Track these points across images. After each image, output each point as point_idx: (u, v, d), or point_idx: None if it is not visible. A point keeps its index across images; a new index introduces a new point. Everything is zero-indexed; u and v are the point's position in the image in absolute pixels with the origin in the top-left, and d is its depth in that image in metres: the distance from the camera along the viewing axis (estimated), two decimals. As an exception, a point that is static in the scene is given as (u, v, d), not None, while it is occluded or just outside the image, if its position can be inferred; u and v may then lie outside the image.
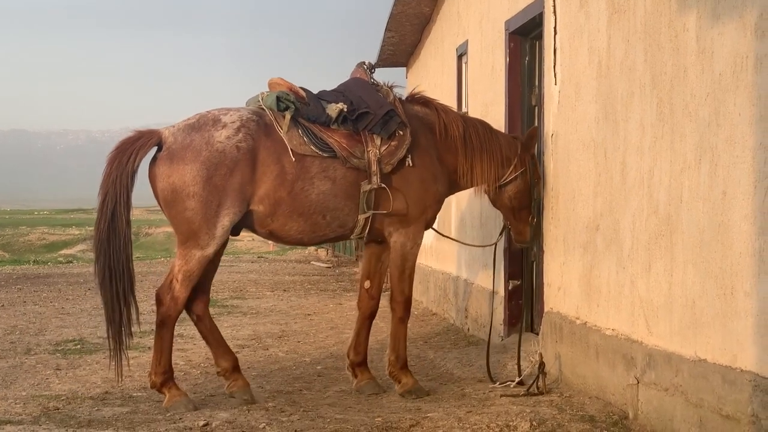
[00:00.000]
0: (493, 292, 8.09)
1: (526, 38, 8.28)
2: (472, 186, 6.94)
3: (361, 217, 6.32)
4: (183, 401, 5.99)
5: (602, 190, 6.01)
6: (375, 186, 6.28)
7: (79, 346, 8.87)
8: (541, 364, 6.39)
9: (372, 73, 6.92)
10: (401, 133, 6.42)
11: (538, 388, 6.34)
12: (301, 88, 6.47)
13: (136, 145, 6.02)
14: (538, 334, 7.36)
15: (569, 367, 6.50)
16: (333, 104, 6.36)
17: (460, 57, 10.97)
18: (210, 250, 5.98)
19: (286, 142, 6.09)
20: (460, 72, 11.02)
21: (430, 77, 13.43)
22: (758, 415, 4.13)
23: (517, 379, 6.69)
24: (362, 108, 6.38)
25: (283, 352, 8.65)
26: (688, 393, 4.75)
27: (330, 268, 21.55)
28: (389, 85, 6.72)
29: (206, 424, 5.55)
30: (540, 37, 7.60)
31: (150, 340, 9.18)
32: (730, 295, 4.38)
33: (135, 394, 6.59)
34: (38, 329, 10.13)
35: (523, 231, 7.07)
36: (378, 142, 6.33)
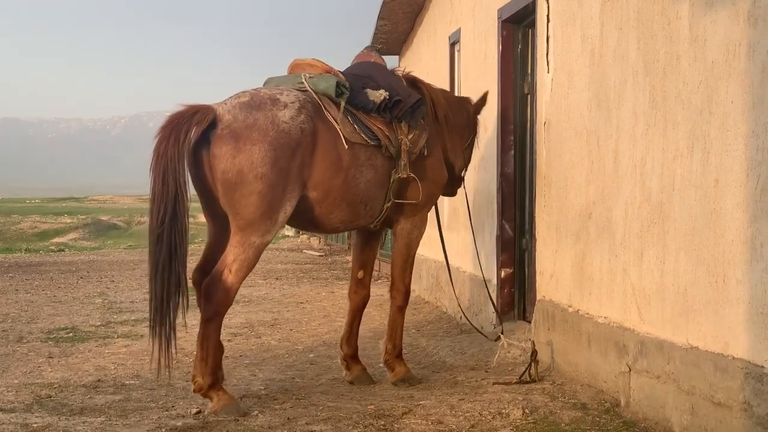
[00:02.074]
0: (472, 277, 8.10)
1: (518, 26, 8.27)
2: (454, 161, 7.02)
3: (385, 206, 6.23)
4: (234, 405, 5.51)
5: (595, 178, 6.01)
6: (404, 175, 6.19)
7: (71, 335, 8.86)
8: (534, 352, 6.40)
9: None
10: (422, 121, 6.40)
11: (530, 375, 6.34)
12: (339, 71, 6.27)
13: (192, 121, 5.42)
14: (530, 322, 7.37)
15: (561, 355, 6.51)
16: (373, 91, 6.21)
17: (452, 45, 10.95)
18: (269, 237, 5.56)
19: (340, 130, 5.86)
20: (453, 60, 11.01)
21: (422, 65, 13.41)
22: (750, 403, 4.14)
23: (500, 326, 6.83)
24: (395, 95, 6.25)
25: (276, 340, 8.65)
26: (680, 380, 4.76)
27: (322, 256, 21.56)
28: (393, 69, 6.72)
29: (199, 412, 5.55)
30: (533, 24, 7.59)
31: (143, 329, 9.21)
32: (722, 282, 4.39)
33: (127, 382, 6.58)
34: (30, 317, 10.12)
35: (454, 184, 7.25)
36: (406, 130, 6.25)
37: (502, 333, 7.03)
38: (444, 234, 7.48)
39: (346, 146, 5.85)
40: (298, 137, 5.58)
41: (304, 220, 5.95)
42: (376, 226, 6.46)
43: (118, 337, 8.66)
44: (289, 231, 36.36)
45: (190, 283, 5.51)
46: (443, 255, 7.45)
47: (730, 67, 4.32)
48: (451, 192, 7.38)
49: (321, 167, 5.72)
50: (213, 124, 5.50)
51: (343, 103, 5.94)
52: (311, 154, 5.67)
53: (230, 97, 5.74)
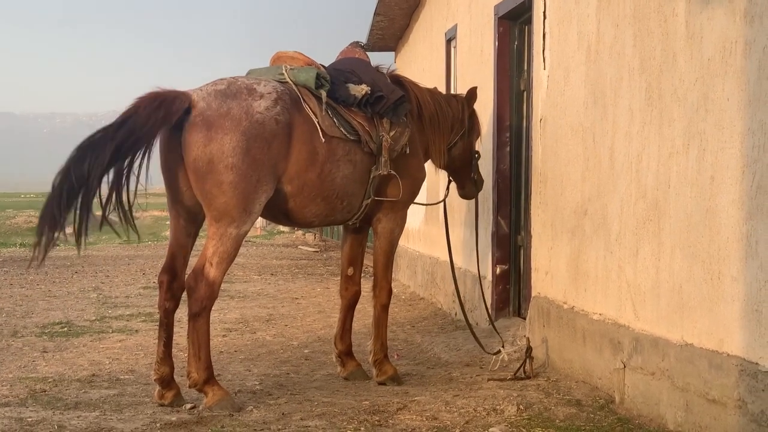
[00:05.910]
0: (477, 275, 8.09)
1: (515, 23, 8.27)
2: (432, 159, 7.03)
3: (365, 203, 6.19)
4: (228, 401, 5.48)
5: (590, 174, 6.01)
6: (384, 172, 6.15)
7: (65, 329, 8.84)
8: (528, 349, 6.40)
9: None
10: (404, 119, 6.35)
11: (525, 372, 6.35)
12: (322, 65, 6.22)
13: (173, 106, 5.37)
14: (525, 318, 7.37)
15: (556, 351, 6.52)
16: (355, 85, 6.14)
17: (449, 41, 10.95)
18: (245, 228, 5.51)
19: (319, 123, 5.79)
20: (449, 56, 11.00)
21: (418, 62, 13.41)
22: (744, 400, 4.15)
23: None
24: (377, 91, 6.20)
25: (271, 335, 8.65)
26: (675, 377, 4.77)
27: (317, 252, 21.55)
28: (377, 66, 6.69)
29: (193, 407, 5.54)
30: (529, 21, 7.59)
31: (137, 323, 9.22)
32: (717, 279, 4.39)
33: (122, 377, 6.57)
34: (25, 312, 10.10)
35: (467, 185, 7.30)
36: (387, 127, 6.20)
37: (503, 347, 6.95)
38: (438, 230, 7.48)
39: (323, 140, 5.79)
40: (273, 129, 5.51)
41: (278, 212, 5.91)
42: (356, 223, 6.42)
43: (112, 332, 8.65)
44: (284, 227, 36.36)
45: (155, 283, 5.52)
46: (445, 252, 7.41)
47: (726, 65, 4.32)
48: (471, 193, 7.36)
49: (296, 160, 5.66)
50: (187, 110, 5.44)
51: (324, 95, 5.90)
52: (287, 147, 5.61)
53: (207, 84, 5.69)
